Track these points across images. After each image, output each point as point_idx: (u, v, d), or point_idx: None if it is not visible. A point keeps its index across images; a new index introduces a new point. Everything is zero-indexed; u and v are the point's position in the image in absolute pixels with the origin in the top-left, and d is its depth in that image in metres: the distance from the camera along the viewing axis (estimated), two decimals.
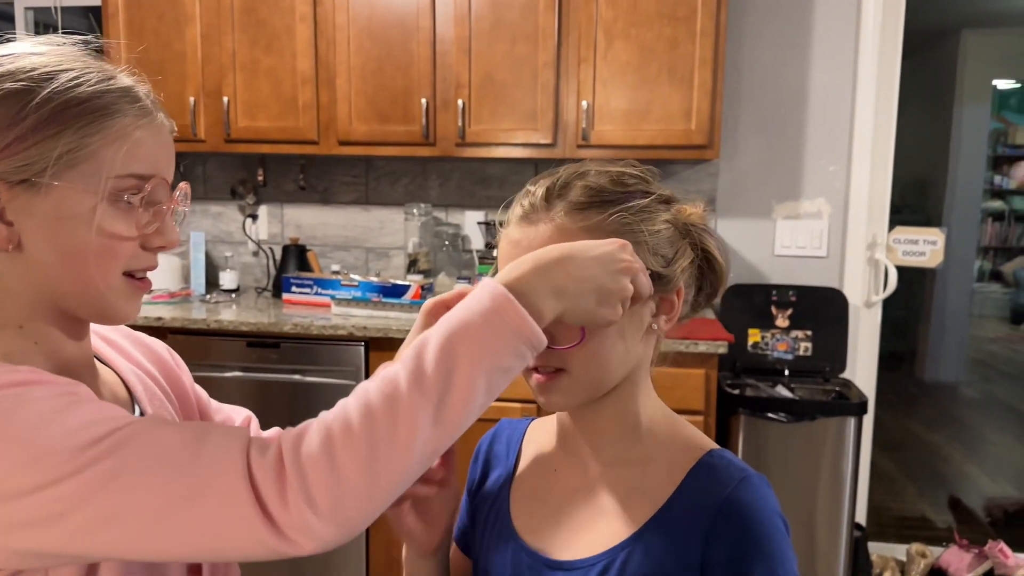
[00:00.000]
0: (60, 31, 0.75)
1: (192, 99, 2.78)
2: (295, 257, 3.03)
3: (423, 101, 2.66)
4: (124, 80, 0.73)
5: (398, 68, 2.68)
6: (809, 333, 2.79)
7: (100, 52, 0.76)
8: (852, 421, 2.48)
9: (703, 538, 0.73)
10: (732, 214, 2.92)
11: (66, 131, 0.67)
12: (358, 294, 2.67)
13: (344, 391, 0.65)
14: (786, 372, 2.76)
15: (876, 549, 2.98)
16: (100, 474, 0.59)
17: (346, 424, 0.61)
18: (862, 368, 2.93)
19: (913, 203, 5.52)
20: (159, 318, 2.54)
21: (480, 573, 0.87)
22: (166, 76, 2.78)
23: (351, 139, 2.73)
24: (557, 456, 0.86)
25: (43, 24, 3.30)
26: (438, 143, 2.70)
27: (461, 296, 0.70)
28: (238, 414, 1.01)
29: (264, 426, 0.89)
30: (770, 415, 2.46)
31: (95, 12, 2.96)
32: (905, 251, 2.89)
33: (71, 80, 0.68)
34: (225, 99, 2.76)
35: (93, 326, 0.80)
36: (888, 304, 2.97)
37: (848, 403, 2.54)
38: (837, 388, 2.67)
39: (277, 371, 2.52)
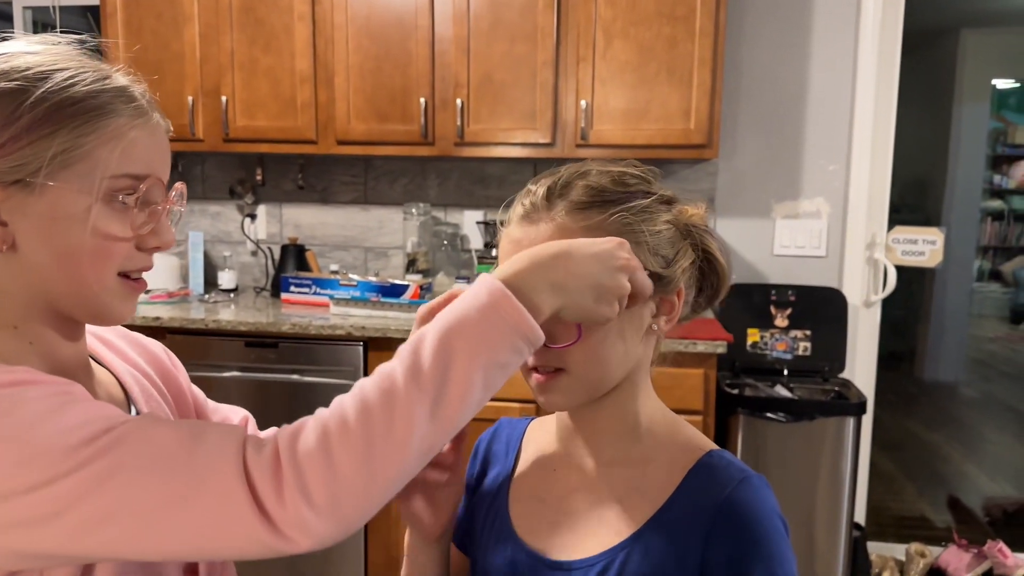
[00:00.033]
0: (58, 30, 0.74)
1: (190, 99, 2.78)
2: (294, 257, 3.03)
3: (422, 100, 2.66)
4: (119, 80, 0.72)
5: (397, 67, 2.68)
6: (808, 333, 2.79)
7: (97, 52, 0.75)
8: (851, 421, 2.48)
9: (702, 538, 0.73)
10: (731, 214, 2.92)
11: (61, 131, 0.66)
12: (357, 294, 2.66)
13: (343, 391, 0.65)
14: (785, 372, 2.76)
15: (875, 549, 2.98)
16: (95, 473, 0.59)
17: (343, 420, 0.61)
18: (861, 368, 2.93)
19: (912, 203, 5.51)
20: (157, 318, 2.54)
21: (479, 572, 0.86)
22: (164, 76, 2.77)
23: (350, 138, 2.73)
24: (557, 456, 0.86)
25: (41, 23, 3.30)
26: (437, 143, 2.70)
27: (453, 298, 0.69)
28: (235, 414, 1.01)
29: (262, 426, 0.88)
30: (769, 415, 2.46)
31: (93, 11, 2.96)
32: (904, 251, 2.89)
33: (66, 80, 0.68)
34: (223, 98, 2.75)
35: (89, 326, 0.79)
36: (887, 304, 2.97)
37: (847, 403, 2.53)
38: (836, 388, 2.67)
39: (275, 371, 2.51)
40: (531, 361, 0.76)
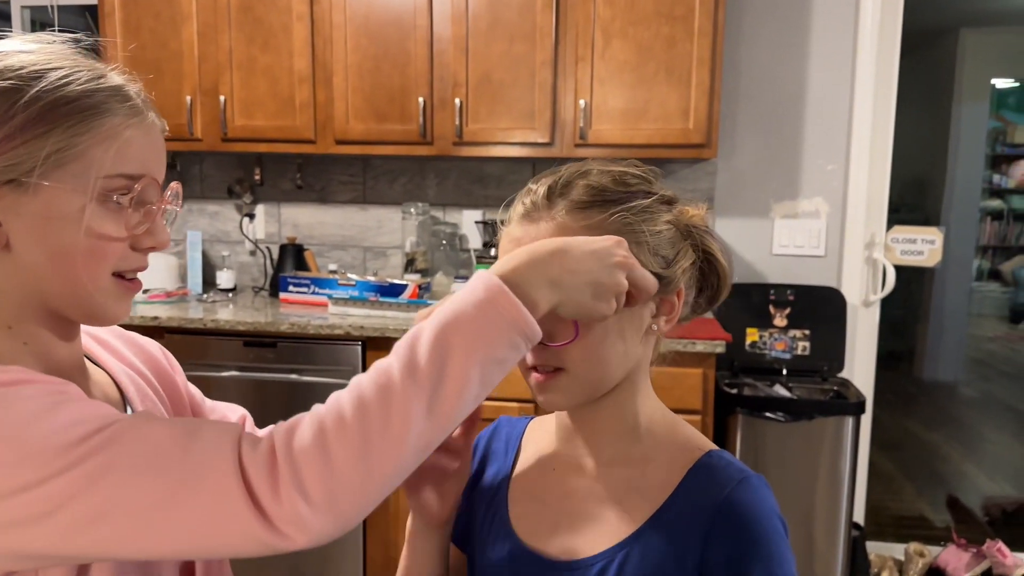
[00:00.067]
0: (56, 30, 0.74)
1: (188, 98, 2.77)
2: (292, 256, 3.02)
3: (420, 100, 2.66)
4: (114, 79, 0.72)
5: (395, 67, 2.67)
6: (807, 332, 2.78)
7: (94, 51, 0.75)
8: (850, 420, 2.48)
9: (702, 538, 0.73)
10: (730, 213, 2.92)
11: (55, 130, 0.66)
12: (355, 293, 2.66)
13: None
14: (784, 371, 2.76)
15: (874, 548, 2.98)
16: (89, 472, 0.58)
17: (339, 416, 0.60)
18: (860, 367, 2.93)
19: (912, 202, 5.51)
20: (155, 317, 2.54)
21: (477, 571, 0.86)
22: (162, 75, 2.77)
23: (348, 138, 2.73)
24: (556, 455, 0.86)
25: (40, 23, 3.29)
26: (435, 142, 2.69)
27: None
28: (233, 412, 1.01)
29: (260, 426, 0.88)
30: (768, 415, 2.46)
31: (92, 11, 2.95)
32: (903, 250, 2.89)
33: (60, 79, 0.68)
34: (222, 98, 2.75)
35: (85, 326, 0.79)
36: (886, 303, 2.97)
37: (846, 402, 2.53)
38: (835, 387, 2.67)
39: (274, 371, 2.51)
40: (530, 360, 0.76)
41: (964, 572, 2.83)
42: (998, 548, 2.84)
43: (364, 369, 2.46)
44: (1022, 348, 6.03)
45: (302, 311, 2.68)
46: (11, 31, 0.73)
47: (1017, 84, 5.87)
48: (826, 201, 2.89)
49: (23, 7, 3.28)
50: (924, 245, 2.89)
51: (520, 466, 0.89)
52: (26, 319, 0.71)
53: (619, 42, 2.57)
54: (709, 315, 2.73)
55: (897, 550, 3.00)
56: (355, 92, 2.70)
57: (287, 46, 2.71)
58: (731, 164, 2.91)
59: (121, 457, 0.59)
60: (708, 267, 0.82)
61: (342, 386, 0.64)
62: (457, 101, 2.64)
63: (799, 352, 2.78)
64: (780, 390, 2.65)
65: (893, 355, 5.39)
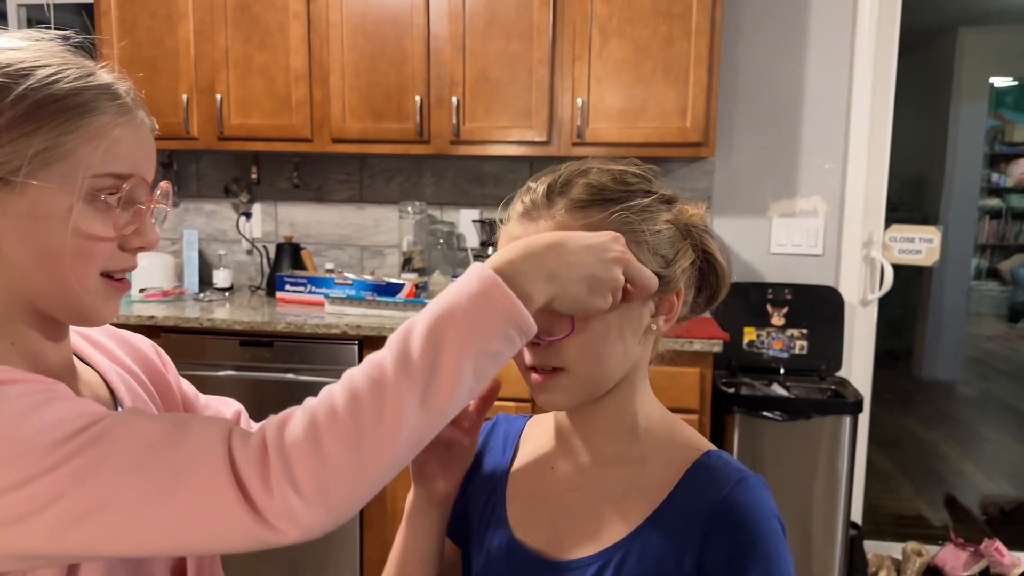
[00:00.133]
0: (52, 28, 0.73)
1: (185, 96, 2.77)
2: (289, 255, 3.02)
3: (417, 99, 2.65)
4: (103, 77, 0.71)
5: (392, 65, 2.67)
6: (805, 331, 2.78)
7: (84, 48, 0.74)
8: (848, 420, 2.47)
9: (700, 539, 0.73)
10: (728, 212, 2.91)
11: (42, 129, 0.65)
12: (352, 293, 2.66)
13: None
14: (782, 371, 2.76)
15: (872, 548, 2.98)
16: (77, 469, 0.58)
17: (331, 409, 0.60)
18: (858, 366, 2.92)
19: (910, 201, 5.51)
20: (152, 316, 2.53)
21: (475, 569, 0.86)
22: (159, 73, 2.77)
23: (345, 137, 2.72)
24: (554, 454, 0.86)
25: (36, 21, 3.28)
26: (432, 141, 2.69)
27: None
28: (228, 407, 1.00)
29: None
30: (765, 414, 2.46)
31: (88, 9, 2.94)
32: (901, 249, 2.89)
33: (48, 76, 0.67)
34: (218, 96, 2.74)
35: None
36: (885, 302, 2.96)
37: (844, 402, 2.53)
38: (833, 387, 2.66)
39: (270, 370, 2.51)
40: (529, 360, 0.76)
41: (962, 571, 2.83)
42: (996, 547, 2.84)
43: None
44: (1020, 347, 6.03)
45: (299, 310, 2.68)
46: (4, 28, 0.72)
47: (1015, 83, 5.87)
48: (824, 200, 2.89)
49: (19, 5, 3.27)
50: (922, 244, 2.88)
51: (518, 464, 0.89)
52: (13, 320, 0.70)
53: (616, 40, 2.57)
54: (707, 314, 2.72)
55: (895, 549, 3.00)
56: (352, 91, 2.69)
57: (283, 44, 2.70)
58: (729, 163, 2.90)
59: (109, 454, 0.59)
60: (707, 266, 0.82)
61: None
62: (454, 100, 2.63)
63: (797, 351, 2.78)
64: (778, 389, 2.64)
65: (891, 354, 5.39)
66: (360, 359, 2.49)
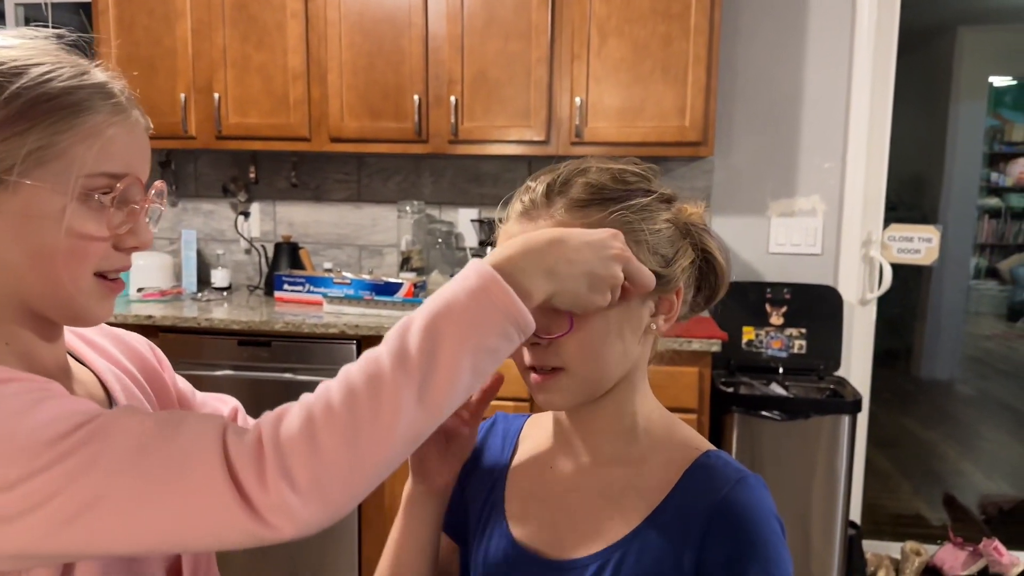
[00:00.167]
0: (50, 27, 0.73)
1: (183, 95, 2.76)
2: (287, 255, 3.02)
3: (415, 98, 2.65)
4: (98, 75, 0.71)
5: (390, 64, 2.66)
6: (803, 331, 2.78)
7: (78, 47, 0.74)
8: (846, 419, 2.47)
9: (699, 539, 0.73)
10: (727, 211, 2.91)
11: (35, 128, 0.65)
12: (350, 292, 2.65)
13: None
14: (780, 370, 2.76)
15: (870, 547, 2.98)
16: (72, 467, 0.58)
17: (327, 404, 0.60)
18: (857, 366, 2.92)
19: (909, 200, 5.51)
20: (150, 316, 2.53)
21: (473, 568, 0.86)
22: (156, 72, 2.76)
23: (343, 136, 2.72)
24: (553, 454, 0.86)
25: (33, 20, 3.28)
26: (431, 140, 2.68)
27: None
28: (225, 404, 1.00)
29: None
30: (764, 413, 2.45)
31: (86, 8, 2.94)
32: (900, 248, 2.88)
33: (42, 75, 0.67)
34: (216, 95, 2.74)
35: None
36: (883, 301, 2.96)
37: (842, 401, 2.53)
38: (831, 386, 2.66)
39: (268, 370, 2.50)
40: (528, 360, 0.76)
41: (960, 571, 2.83)
42: (994, 547, 2.84)
43: None
44: (1019, 346, 6.03)
45: (297, 310, 2.67)
46: (2, 28, 0.72)
47: (1015, 82, 5.87)
48: (823, 199, 2.89)
49: (17, 4, 3.26)
50: (921, 243, 2.88)
51: (517, 463, 0.89)
52: (7, 319, 0.70)
53: (615, 40, 2.56)
54: (705, 314, 2.71)
55: (894, 549, 3.00)
56: (350, 89, 2.69)
57: (281, 43, 2.70)
58: (728, 162, 2.90)
59: (104, 451, 0.58)
60: (706, 266, 0.82)
61: None
62: (452, 99, 2.63)
63: (795, 351, 2.78)
64: (776, 389, 2.64)
65: (890, 353, 5.38)
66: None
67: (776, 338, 2.79)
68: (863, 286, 2.92)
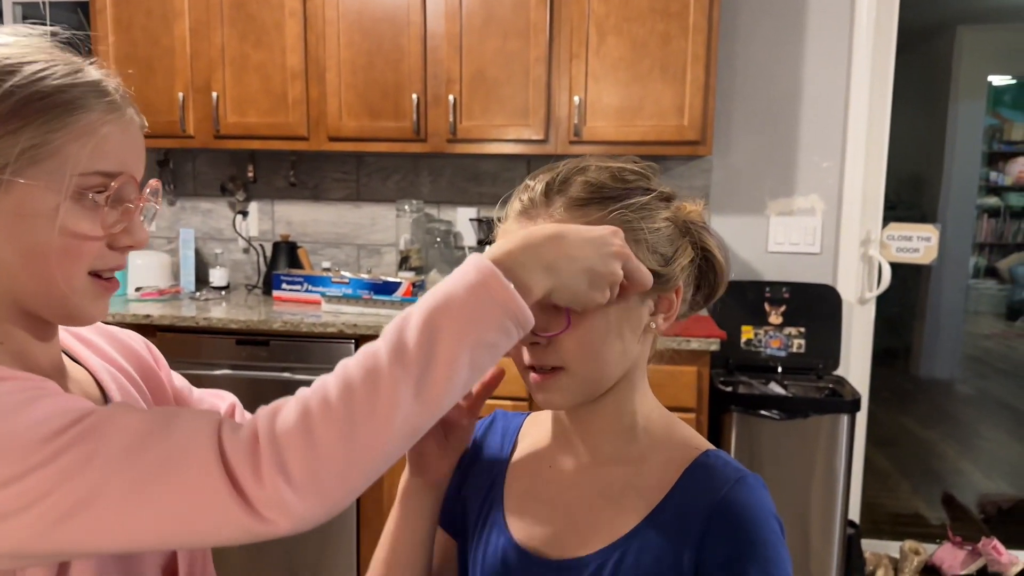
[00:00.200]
0: (48, 26, 0.72)
1: (181, 95, 2.76)
2: (285, 254, 3.01)
3: (414, 97, 2.64)
4: (92, 73, 0.70)
5: (388, 63, 2.66)
6: (802, 330, 2.78)
7: (74, 45, 0.73)
8: (845, 418, 2.47)
9: (698, 538, 0.72)
10: (725, 211, 2.91)
11: (29, 126, 0.65)
12: (349, 291, 2.65)
13: None
14: (779, 369, 2.75)
15: (869, 546, 2.98)
16: (66, 464, 0.57)
17: (324, 398, 0.59)
18: (856, 365, 2.92)
19: (908, 199, 5.51)
20: (148, 315, 2.52)
21: (471, 567, 0.86)
22: (154, 72, 2.76)
23: (341, 135, 2.72)
24: (552, 452, 0.85)
25: (31, 19, 3.27)
26: (429, 139, 2.68)
27: None
28: (222, 400, 0.99)
29: None
30: (763, 412, 2.45)
31: (83, 7, 2.94)
32: (899, 247, 2.88)
33: (35, 73, 0.66)
34: (214, 95, 2.74)
35: None
36: (882, 300, 2.96)
37: (841, 400, 2.53)
38: (830, 385, 2.66)
39: (267, 369, 2.50)
40: (528, 360, 0.76)
41: (959, 570, 2.83)
42: (993, 546, 2.84)
43: None
44: (1018, 345, 6.03)
45: (295, 309, 2.67)
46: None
47: (1014, 81, 5.87)
48: (822, 198, 2.88)
49: (14, 3, 3.25)
50: (920, 242, 2.88)
51: (516, 461, 0.88)
52: (0, 319, 0.70)
53: (614, 39, 2.56)
54: (704, 313, 2.72)
55: (892, 548, 2.99)
56: (348, 88, 2.69)
57: (279, 42, 2.70)
58: (727, 161, 2.90)
59: (99, 448, 0.58)
60: (705, 264, 0.81)
61: None
62: (451, 98, 2.63)
63: (794, 350, 2.77)
64: (775, 388, 2.64)
65: (889, 352, 5.38)
66: None
67: (775, 337, 2.78)
68: (862, 285, 2.91)
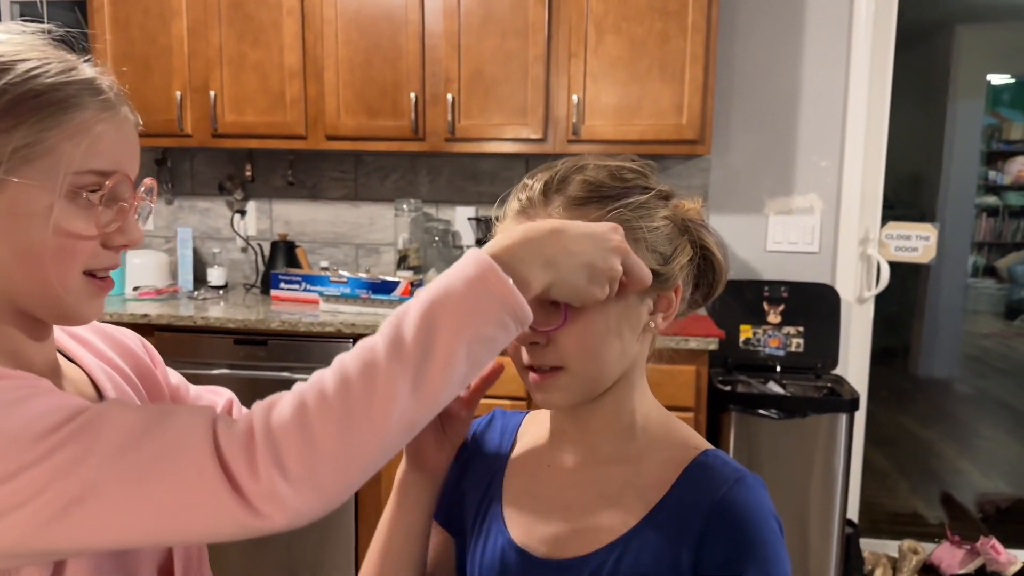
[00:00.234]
0: (45, 24, 0.72)
1: (179, 94, 2.75)
2: (284, 253, 3.01)
3: (412, 95, 2.64)
4: (86, 71, 0.70)
5: (386, 62, 2.66)
6: (801, 329, 2.78)
7: (67, 42, 0.73)
8: (844, 418, 2.47)
9: (697, 538, 0.72)
10: (724, 210, 2.91)
11: (22, 124, 0.64)
12: (347, 291, 2.64)
13: None
14: (778, 368, 2.75)
15: (868, 546, 2.98)
16: (61, 461, 0.57)
17: (321, 392, 0.59)
18: (854, 364, 2.92)
19: (906, 198, 5.51)
20: (145, 315, 2.52)
21: (469, 566, 0.85)
22: (152, 71, 2.75)
23: (339, 134, 2.71)
24: (551, 452, 0.85)
25: (29, 17, 3.26)
26: (427, 138, 2.68)
27: None
28: (220, 396, 0.99)
29: None
30: (761, 412, 2.45)
31: (81, 6, 2.93)
32: (897, 247, 2.88)
33: (29, 71, 0.66)
34: (212, 93, 2.73)
35: None
36: (881, 299, 2.96)
37: (840, 399, 2.52)
38: (829, 384, 2.66)
39: (265, 368, 2.50)
40: (527, 360, 0.76)
41: (958, 569, 2.83)
42: (992, 545, 2.84)
43: None
44: (1017, 344, 6.03)
45: (293, 308, 2.67)
46: None
47: (1013, 80, 5.87)
48: (820, 197, 2.88)
49: (12, 2, 3.25)
50: (919, 241, 2.88)
51: (514, 460, 0.88)
52: None
53: (612, 38, 2.56)
54: (702, 312, 2.72)
55: (891, 547, 3.00)
56: (346, 87, 2.68)
57: (277, 41, 2.69)
58: (725, 160, 2.90)
59: (93, 445, 0.58)
60: (704, 262, 0.81)
61: None
62: (449, 97, 2.62)
63: (793, 349, 2.77)
64: (774, 387, 2.64)
65: (888, 351, 5.38)
66: None
67: (774, 336, 2.78)
68: (861, 284, 2.91)
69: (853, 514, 2.94)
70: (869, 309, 2.95)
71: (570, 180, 0.76)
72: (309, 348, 2.48)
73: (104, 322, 0.88)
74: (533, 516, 0.82)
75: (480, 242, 2.92)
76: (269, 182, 3.17)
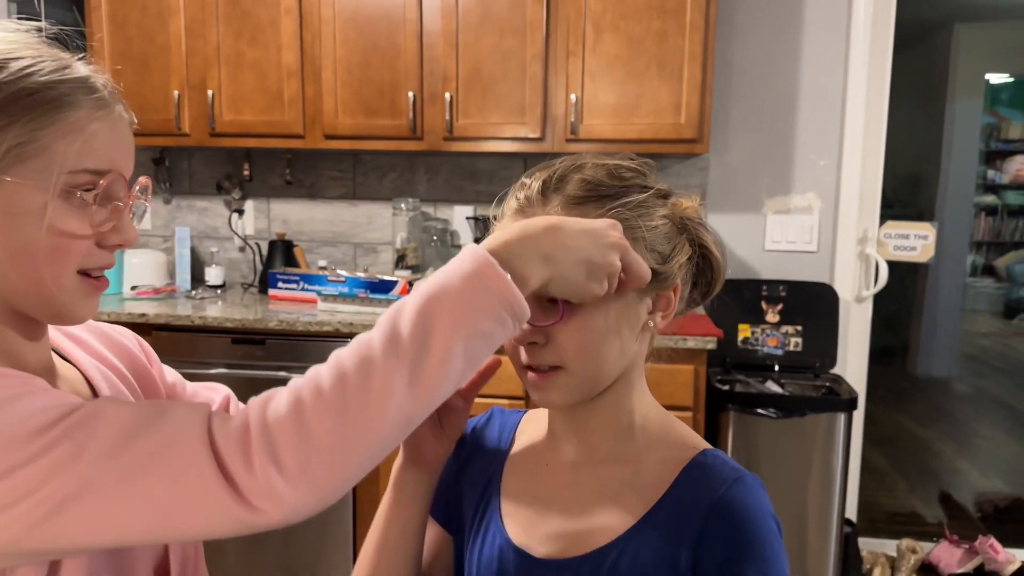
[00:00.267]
0: (43, 22, 0.72)
1: (176, 93, 2.75)
2: (281, 252, 3.00)
3: (410, 94, 2.63)
4: (80, 69, 0.69)
5: (384, 61, 2.65)
6: (799, 328, 2.77)
7: (61, 40, 0.73)
8: (842, 417, 2.47)
9: (695, 538, 0.72)
10: (722, 209, 2.90)
11: (15, 123, 0.64)
12: (345, 290, 2.64)
13: None
14: (776, 368, 2.75)
15: (866, 545, 2.98)
16: (55, 459, 0.57)
17: (317, 387, 0.59)
18: (853, 363, 2.92)
19: (905, 198, 5.51)
20: (143, 314, 2.52)
21: (467, 565, 0.85)
22: (150, 69, 2.75)
23: (337, 133, 2.71)
24: (549, 451, 0.85)
25: (25, 15, 3.25)
26: (425, 137, 2.67)
27: None
28: (217, 393, 0.98)
29: None
30: (760, 411, 2.45)
31: (79, 5, 2.92)
32: (896, 246, 2.88)
33: (22, 69, 0.65)
34: (210, 92, 2.73)
35: None
36: (880, 299, 2.96)
37: (838, 399, 2.52)
38: (827, 384, 2.66)
39: (263, 368, 2.49)
40: (526, 359, 0.75)
41: (956, 568, 2.83)
42: (990, 544, 2.84)
43: None
44: (1015, 344, 6.04)
45: (291, 308, 2.66)
46: None
47: (1011, 79, 5.87)
48: (819, 196, 2.88)
49: (9, 0, 3.24)
50: (917, 240, 2.88)
51: (513, 459, 0.88)
52: None
53: (610, 36, 2.55)
54: (701, 311, 2.71)
55: (889, 546, 3.00)
56: (344, 86, 2.68)
57: (275, 40, 2.69)
58: (723, 159, 2.90)
59: (88, 442, 0.58)
60: (703, 261, 0.81)
61: None
62: (447, 96, 2.62)
63: (791, 348, 2.77)
64: (772, 386, 2.64)
65: (886, 351, 5.39)
66: None
67: (772, 335, 2.78)
68: (859, 283, 2.91)
69: (852, 513, 2.94)
70: (868, 308, 2.95)
71: (568, 179, 0.76)
72: (307, 347, 2.48)
73: (101, 321, 0.88)
74: (532, 515, 0.82)
75: (478, 241, 2.91)
76: (267, 181, 3.16)
